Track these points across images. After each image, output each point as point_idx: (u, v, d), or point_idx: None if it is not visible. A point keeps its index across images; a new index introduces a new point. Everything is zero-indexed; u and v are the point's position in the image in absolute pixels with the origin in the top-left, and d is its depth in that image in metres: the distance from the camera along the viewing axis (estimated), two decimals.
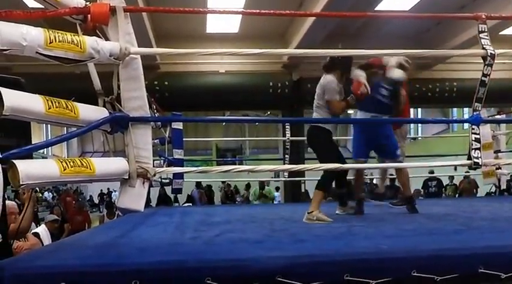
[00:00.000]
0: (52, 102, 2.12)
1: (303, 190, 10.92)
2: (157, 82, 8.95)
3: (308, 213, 3.54)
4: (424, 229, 2.85)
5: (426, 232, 2.74)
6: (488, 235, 2.49)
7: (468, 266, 1.87)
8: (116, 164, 2.40)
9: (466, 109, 16.76)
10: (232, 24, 9.28)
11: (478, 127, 2.83)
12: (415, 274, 1.81)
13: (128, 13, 2.55)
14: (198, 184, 13.64)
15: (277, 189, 12.56)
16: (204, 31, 9.47)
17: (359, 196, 4.21)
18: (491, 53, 2.93)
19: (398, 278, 1.82)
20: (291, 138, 6.97)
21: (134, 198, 2.38)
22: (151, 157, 2.53)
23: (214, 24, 9.22)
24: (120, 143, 2.73)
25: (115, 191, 21.08)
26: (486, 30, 3.11)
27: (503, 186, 6.75)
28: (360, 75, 3.91)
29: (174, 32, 9.29)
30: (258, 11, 3.46)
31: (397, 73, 4.14)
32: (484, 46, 2.99)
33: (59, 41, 2.13)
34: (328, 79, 3.86)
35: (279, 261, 1.88)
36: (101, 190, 24.25)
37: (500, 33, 9.10)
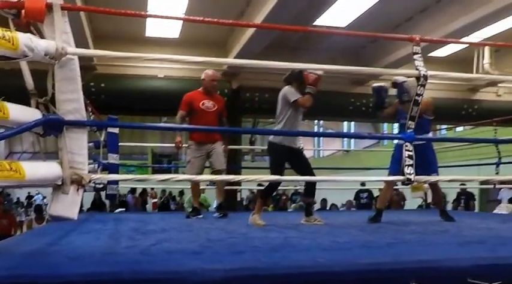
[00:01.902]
0: None
1: (238, 199, 10.94)
2: (93, 83, 8.65)
3: (251, 216, 4.21)
4: (359, 242, 2.92)
5: (360, 244, 2.80)
6: (418, 249, 2.59)
7: (401, 281, 1.93)
8: (48, 169, 2.28)
9: (395, 125, 17.51)
10: (172, 29, 9.16)
11: (412, 144, 2.95)
12: None
13: (66, 11, 2.45)
14: (133, 190, 13.33)
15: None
16: (143, 34, 9.29)
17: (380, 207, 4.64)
18: (424, 74, 3.08)
19: None
20: (228, 147, 6.95)
21: (67, 205, 2.27)
22: (86, 163, 2.42)
23: (154, 28, 9.07)
24: (51, 144, 2.60)
25: (37, 194, 20.10)
26: (420, 51, 3.27)
27: (430, 200, 7.09)
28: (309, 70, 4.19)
29: (112, 33, 9.04)
30: (198, 18, 3.44)
31: (399, 78, 4.28)
32: (418, 67, 3.14)
33: None
34: (285, 88, 4.28)
35: (218, 274, 1.86)
36: (29, 192, 23.04)
37: (429, 54, 9.59)
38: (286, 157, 4.29)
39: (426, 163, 4.18)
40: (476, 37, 8.79)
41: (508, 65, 10.29)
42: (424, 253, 2.38)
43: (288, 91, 4.24)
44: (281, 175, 4.03)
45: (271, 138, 4.41)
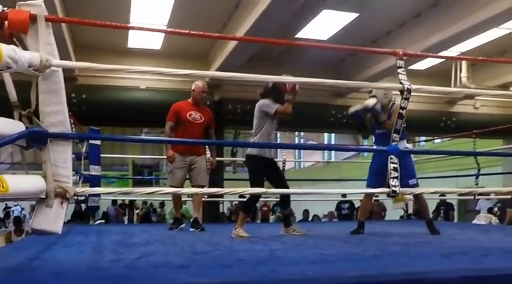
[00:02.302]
0: None
1: (221, 211, 10.89)
2: (74, 94, 8.56)
3: (234, 230, 4.19)
4: (344, 254, 2.93)
5: (346, 257, 2.81)
6: (404, 260, 2.61)
7: None
8: (32, 182, 2.23)
9: None
10: (155, 41, 9.15)
11: (397, 157, 2.98)
12: None
13: (50, 23, 2.43)
14: (114, 202, 13.16)
15: None
16: (125, 45, 9.25)
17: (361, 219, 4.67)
18: (407, 88, 3.12)
19: None
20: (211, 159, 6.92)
21: (51, 219, 2.22)
22: (71, 176, 2.38)
23: (136, 40, 9.04)
24: (29, 155, 2.56)
25: (15, 205, 19.67)
26: (403, 65, 3.32)
27: (410, 210, 7.17)
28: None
29: (93, 44, 8.99)
30: (181, 30, 3.45)
31: (370, 101, 4.32)
32: (401, 81, 3.18)
33: None
34: (260, 101, 4.34)
35: None
36: (6, 204, 22.50)
37: (409, 67, 9.75)
38: (263, 168, 4.34)
39: (405, 170, 4.20)
40: (453, 51, 9.00)
41: (484, 79, 10.54)
42: (409, 265, 2.40)
43: (265, 104, 4.30)
44: (262, 186, 4.09)
45: (248, 150, 4.48)
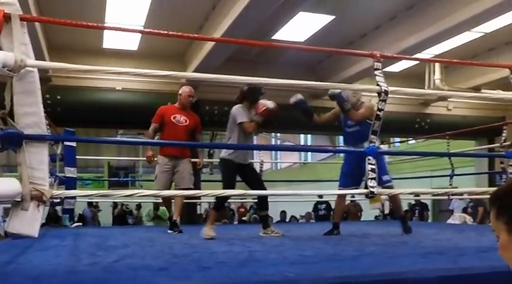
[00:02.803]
0: None
1: (198, 212, 10.83)
2: (49, 95, 8.38)
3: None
4: (324, 255, 2.94)
5: (326, 258, 2.83)
6: (382, 261, 2.64)
7: None
8: (7, 185, 2.19)
9: None
10: (130, 41, 9.04)
11: (374, 158, 3.01)
12: None
13: (25, 22, 2.38)
14: (90, 203, 12.96)
15: None
16: (100, 46, 9.12)
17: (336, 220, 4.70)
18: (385, 90, 3.16)
19: None
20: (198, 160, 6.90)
21: (27, 223, 2.17)
22: (47, 178, 2.34)
23: (112, 40, 8.91)
24: (3, 157, 2.51)
25: None
26: (380, 67, 3.36)
27: (387, 211, 7.26)
28: (263, 101, 4.36)
29: (68, 44, 8.83)
30: (158, 31, 3.43)
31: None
32: (379, 83, 3.22)
33: None
34: (235, 107, 4.42)
35: None
36: None
37: (384, 69, 9.87)
38: (236, 173, 4.41)
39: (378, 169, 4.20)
40: (427, 54, 9.14)
41: (456, 81, 10.75)
42: (388, 266, 2.43)
43: (236, 112, 4.39)
44: (233, 188, 4.23)
45: (222, 154, 4.51)
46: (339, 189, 4.60)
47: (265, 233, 4.45)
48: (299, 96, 4.35)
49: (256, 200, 5.10)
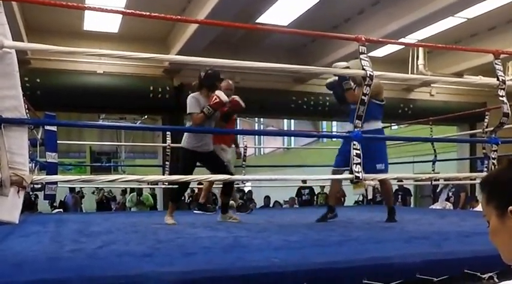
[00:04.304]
0: None
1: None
2: (28, 78, 8.18)
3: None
4: (309, 241, 2.94)
5: (312, 243, 2.82)
6: (368, 246, 2.64)
7: (354, 279, 1.95)
8: None
9: (334, 123, 17.93)
10: (111, 23, 8.87)
11: (359, 143, 3.00)
12: None
13: (1, 1, 2.30)
14: (72, 189, 12.82)
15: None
16: (81, 28, 8.93)
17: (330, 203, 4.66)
18: (370, 74, 3.15)
19: None
20: (171, 145, 6.87)
21: (7, 209, 2.13)
22: (27, 163, 2.29)
23: (92, 22, 8.72)
24: None
25: None
26: (365, 51, 3.34)
27: (370, 196, 7.32)
28: (219, 92, 4.19)
29: (47, 26, 8.62)
30: (140, 12, 3.34)
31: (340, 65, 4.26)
32: (364, 67, 3.20)
33: None
34: (190, 95, 4.26)
35: (172, 277, 1.80)
36: None
37: (368, 54, 9.88)
38: (196, 161, 4.34)
39: (374, 153, 4.12)
40: (411, 39, 9.16)
41: (439, 66, 10.80)
42: (374, 250, 2.43)
43: (188, 101, 4.23)
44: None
45: (183, 143, 4.35)
46: (333, 170, 4.47)
47: (223, 218, 4.45)
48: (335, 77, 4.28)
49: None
